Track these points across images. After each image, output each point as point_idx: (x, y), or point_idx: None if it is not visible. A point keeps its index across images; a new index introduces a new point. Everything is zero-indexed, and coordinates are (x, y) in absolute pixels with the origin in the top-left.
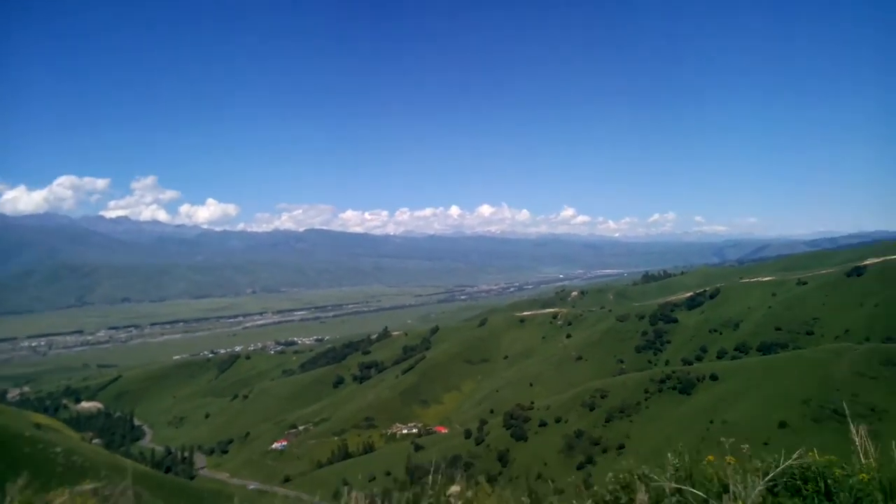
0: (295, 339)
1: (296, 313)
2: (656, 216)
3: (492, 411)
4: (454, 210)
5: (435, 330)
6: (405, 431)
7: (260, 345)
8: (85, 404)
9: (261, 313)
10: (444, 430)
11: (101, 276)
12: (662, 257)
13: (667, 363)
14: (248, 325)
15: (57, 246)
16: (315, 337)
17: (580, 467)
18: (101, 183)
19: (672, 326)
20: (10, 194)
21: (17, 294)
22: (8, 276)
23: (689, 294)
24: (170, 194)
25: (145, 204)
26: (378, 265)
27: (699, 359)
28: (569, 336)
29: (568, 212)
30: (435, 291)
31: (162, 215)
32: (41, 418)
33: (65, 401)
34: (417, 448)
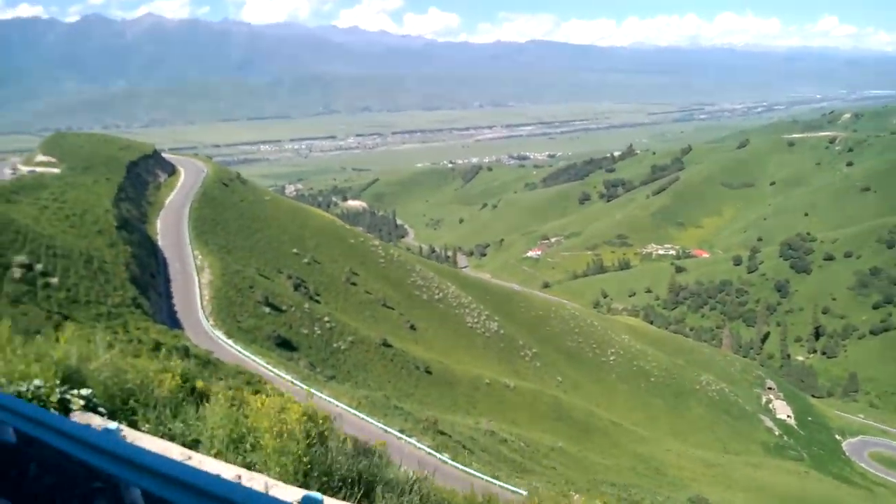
0: (527, 153)
1: (523, 128)
2: None
3: (760, 239)
4: (690, 18)
5: (687, 150)
6: (661, 252)
7: (494, 157)
8: (351, 202)
9: (490, 127)
10: (705, 255)
11: (341, 86)
12: None
13: None
14: (479, 137)
15: (299, 55)
16: (547, 153)
17: (876, 307)
18: None
19: None
20: (252, 3)
21: (272, 101)
22: (262, 83)
23: None
24: (394, 2)
25: (372, 13)
26: (605, 80)
27: None
28: (850, 164)
29: (828, 20)
30: (670, 109)
31: (388, 25)
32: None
33: (334, 198)
34: (679, 270)
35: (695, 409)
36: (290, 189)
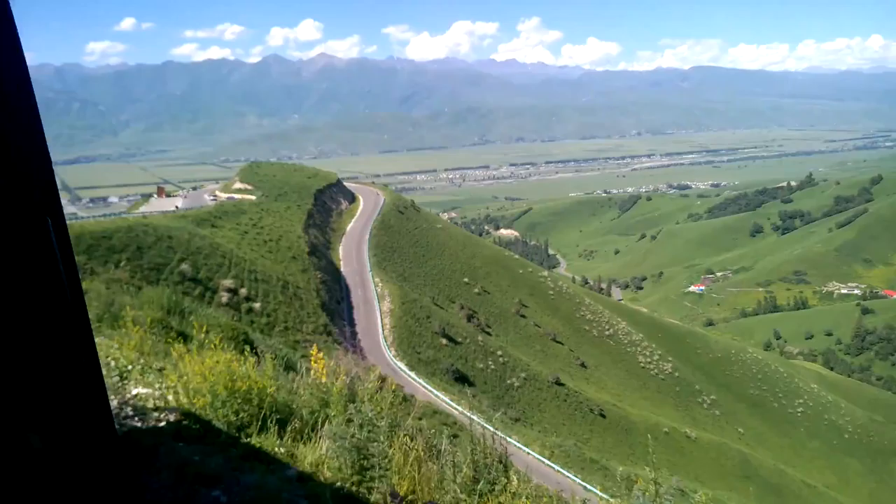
0: (688, 182)
1: (685, 156)
2: None
3: None
4: (875, 40)
5: (878, 180)
6: (844, 291)
7: (651, 187)
8: (503, 231)
9: (648, 155)
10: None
11: (497, 117)
12: None
13: None
14: (636, 166)
15: (457, 89)
16: (711, 182)
17: None
18: (490, 27)
19: None
20: (416, 41)
21: (431, 133)
22: (422, 116)
23: None
24: (552, 35)
25: (530, 46)
26: (776, 105)
27: None
28: None
29: None
30: (850, 136)
31: (546, 56)
32: (489, 242)
33: (486, 227)
34: (865, 311)
35: None
36: (444, 217)
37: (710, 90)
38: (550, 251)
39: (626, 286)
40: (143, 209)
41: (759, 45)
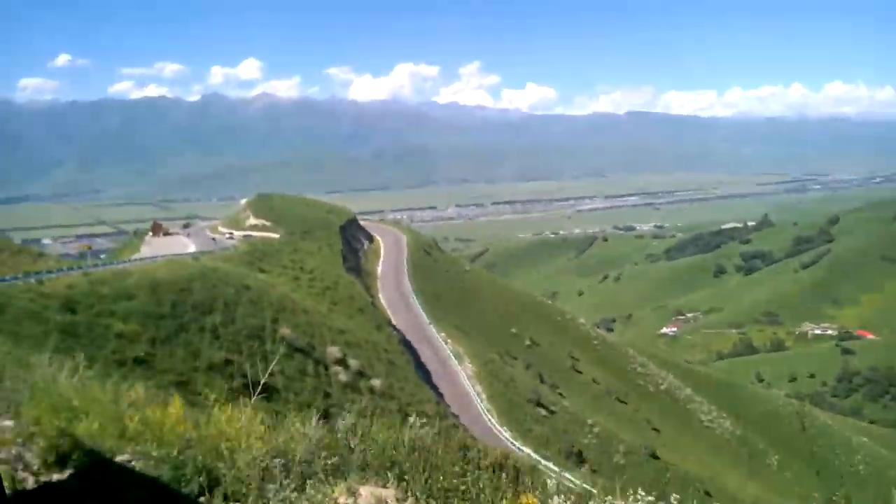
0: (633, 224)
1: (626, 199)
2: None
3: None
4: (796, 88)
5: (835, 220)
6: (818, 332)
7: (598, 228)
8: None
9: (590, 197)
10: (870, 336)
11: (440, 158)
12: None
13: None
14: (579, 208)
15: (400, 130)
16: (654, 224)
17: None
18: (432, 70)
19: None
20: (358, 82)
21: (375, 173)
22: (366, 157)
23: None
24: (492, 79)
25: (471, 89)
26: (707, 150)
27: None
28: None
29: None
30: (780, 180)
31: (486, 100)
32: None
33: None
34: (846, 352)
35: None
36: None
37: (644, 134)
38: None
39: (597, 327)
40: (144, 250)
41: (688, 91)
